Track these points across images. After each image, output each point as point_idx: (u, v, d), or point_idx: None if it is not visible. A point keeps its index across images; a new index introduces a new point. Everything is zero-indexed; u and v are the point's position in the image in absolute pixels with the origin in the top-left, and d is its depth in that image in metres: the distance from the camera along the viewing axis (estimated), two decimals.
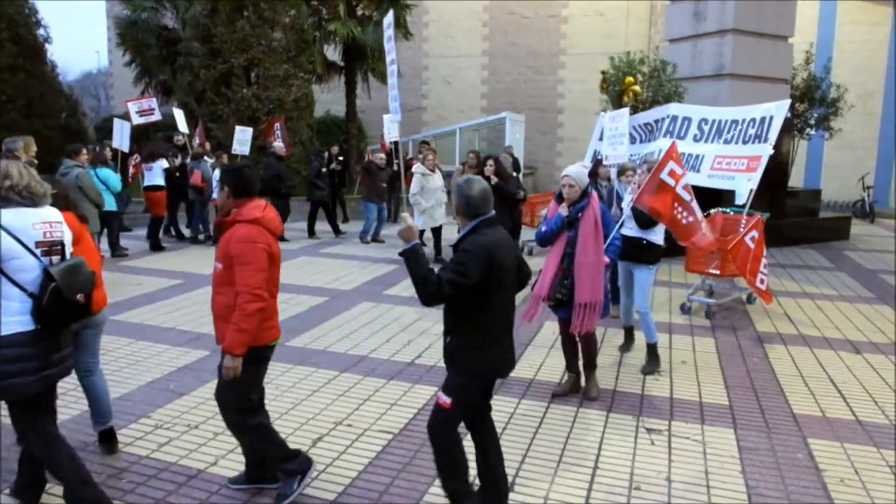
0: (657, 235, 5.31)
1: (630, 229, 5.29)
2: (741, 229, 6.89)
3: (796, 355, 5.79)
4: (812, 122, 13.18)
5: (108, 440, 3.81)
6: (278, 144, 12.00)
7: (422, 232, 9.20)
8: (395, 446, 3.93)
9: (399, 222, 4.52)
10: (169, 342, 5.78)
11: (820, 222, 12.65)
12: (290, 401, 4.57)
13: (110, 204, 9.15)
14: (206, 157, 11.49)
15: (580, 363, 4.82)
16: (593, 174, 8.02)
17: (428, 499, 3.38)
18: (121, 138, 10.84)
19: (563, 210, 4.48)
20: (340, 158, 13.82)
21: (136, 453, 3.78)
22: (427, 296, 2.82)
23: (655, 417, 4.41)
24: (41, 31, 20.80)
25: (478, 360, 3.01)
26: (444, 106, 23.48)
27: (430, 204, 9.40)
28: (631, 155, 9.68)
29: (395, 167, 11.64)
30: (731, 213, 7.53)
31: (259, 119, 15.29)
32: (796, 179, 15.56)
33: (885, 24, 17.80)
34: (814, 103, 13.06)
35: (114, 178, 9.44)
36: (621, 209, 5.80)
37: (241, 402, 3.21)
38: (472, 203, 3.00)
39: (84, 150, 8.42)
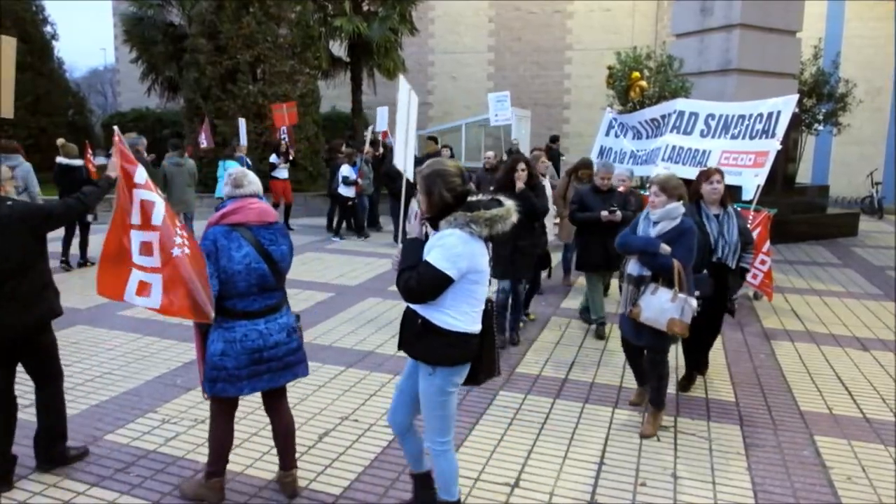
0: (439, 312, 2.72)
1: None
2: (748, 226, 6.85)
3: (803, 352, 5.77)
4: (820, 117, 13.09)
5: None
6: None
7: None
8: None
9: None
10: (176, 337, 5.80)
11: (828, 218, 12.58)
12: (297, 396, 4.58)
13: (219, 191, 10.73)
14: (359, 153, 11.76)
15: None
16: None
17: None
18: (243, 136, 12.64)
19: None
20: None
21: (144, 448, 3.80)
22: None
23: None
24: (48, 29, 20.90)
25: None
26: (450, 101, 23.47)
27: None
28: (637, 150, 9.65)
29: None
30: (738, 208, 7.49)
31: (265, 116, 15.32)
32: (804, 175, 15.46)
33: (892, 20, 17.65)
34: (822, 98, 12.98)
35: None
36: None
37: None
38: None
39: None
